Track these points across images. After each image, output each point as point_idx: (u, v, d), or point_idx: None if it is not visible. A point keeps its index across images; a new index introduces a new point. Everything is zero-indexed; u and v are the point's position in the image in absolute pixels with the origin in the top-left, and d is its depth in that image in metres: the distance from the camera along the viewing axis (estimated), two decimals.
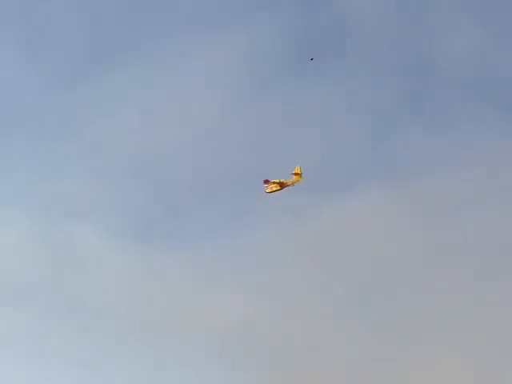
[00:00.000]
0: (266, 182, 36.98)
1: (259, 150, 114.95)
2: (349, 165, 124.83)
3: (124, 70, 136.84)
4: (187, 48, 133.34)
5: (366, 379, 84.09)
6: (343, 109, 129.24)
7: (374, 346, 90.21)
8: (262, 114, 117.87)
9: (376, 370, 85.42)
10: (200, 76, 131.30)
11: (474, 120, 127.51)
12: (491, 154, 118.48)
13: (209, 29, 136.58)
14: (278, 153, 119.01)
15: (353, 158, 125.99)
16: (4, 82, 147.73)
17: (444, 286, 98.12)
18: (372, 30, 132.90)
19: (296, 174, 35.41)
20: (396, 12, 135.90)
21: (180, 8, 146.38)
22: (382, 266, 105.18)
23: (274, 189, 35.90)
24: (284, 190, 36.10)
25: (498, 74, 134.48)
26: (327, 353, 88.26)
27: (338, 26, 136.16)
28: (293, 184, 35.93)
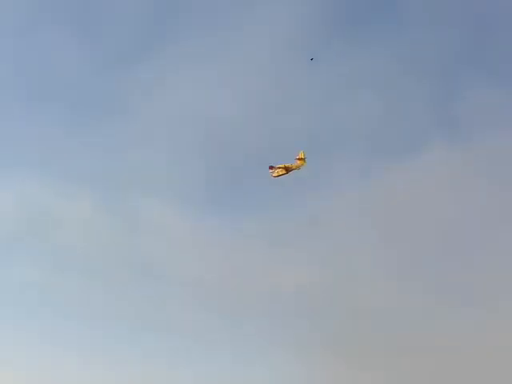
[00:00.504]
0: (271, 167, 37.75)
1: (322, 115, 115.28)
2: (411, 126, 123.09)
3: (185, 43, 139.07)
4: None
5: (429, 339, 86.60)
6: (403, 70, 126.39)
7: (437, 306, 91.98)
8: (324, 78, 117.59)
9: (439, 330, 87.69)
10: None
11: None
12: None
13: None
14: (342, 116, 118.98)
15: (415, 119, 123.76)
16: (67, 62, 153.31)
17: (509, 247, 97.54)
18: None
19: (300, 158, 36.74)
20: None
21: None
22: (446, 226, 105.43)
23: (281, 173, 36.94)
24: (289, 173, 37.40)
25: None
26: (391, 314, 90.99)
27: None
28: (298, 168, 37.08)
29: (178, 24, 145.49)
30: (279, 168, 36.71)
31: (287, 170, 36.37)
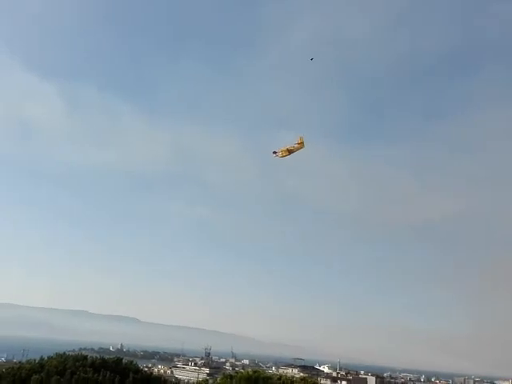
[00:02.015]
0: (274, 152, 41.11)
1: None
2: None
3: None
4: None
5: None
6: None
7: None
8: None
9: None
10: None
11: None
12: None
13: None
14: None
15: None
16: None
17: None
18: None
19: (300, 142, 39.77)
20: None
21: None
22: None
23: (284, 154, 40.21)
24: (291, 154, 40.54)
25: None
26: None
27: None
28: (297, 150, 40.26)
29: None
30: (282, 151, 39.87)
31: (289, 151, 39.84)
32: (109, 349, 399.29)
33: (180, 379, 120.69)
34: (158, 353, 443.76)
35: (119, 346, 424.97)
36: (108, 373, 24.90)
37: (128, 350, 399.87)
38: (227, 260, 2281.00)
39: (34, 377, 23.78)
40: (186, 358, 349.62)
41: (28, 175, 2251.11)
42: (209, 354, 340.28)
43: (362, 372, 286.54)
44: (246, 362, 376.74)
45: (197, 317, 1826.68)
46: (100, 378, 24.20)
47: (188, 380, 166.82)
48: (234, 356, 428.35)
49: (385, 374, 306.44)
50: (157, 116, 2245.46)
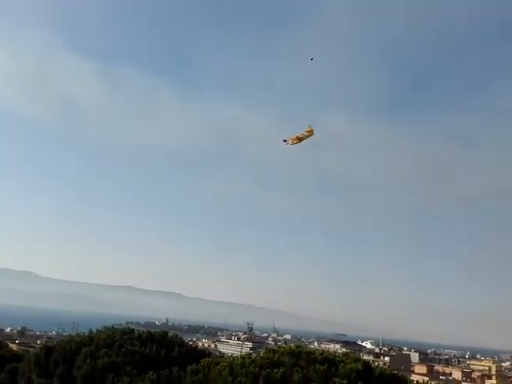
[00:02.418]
0: (285, 140, 41.35)
1: None
2: None
3: None
4: None
5: None
6: None
7: None
8: None
9: None
10: None
11: None
12: None
13: None
14: None
15: None
16: None
17: None
18: None
19: (309, 130, 40.59)
20: None
21: None
22: None
23: (295, 142, 40.66)
24: (302, 142, 41.00)
25: None
26: None
27: None
28: (307, 138, 40.82)
29: None
30: (292, 139, 40.48)
31: (299, 139, 40.39)
32: (154, 323, 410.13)
33: (224, 353, 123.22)
34: (203, 327, 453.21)
35: (164, 321, 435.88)
36: (154, 346, 25.49)
37: (173, 325, 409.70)
38: (268, 238, 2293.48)
39: (84, 349, 24.59)
40: (229, 333, 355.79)
41: (73, 153, 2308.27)
42: (251, 328, 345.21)
43: (405, 348, 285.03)
44: (288, 337, 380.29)
45: (239, 293, 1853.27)
46: (147, 350, 24.86)
47: (232, 353, 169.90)
48: (276, 331, 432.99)
49: (428, 351, 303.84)
50: (195, 94, 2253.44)
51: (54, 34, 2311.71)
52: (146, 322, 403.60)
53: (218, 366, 22.90)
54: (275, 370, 21.54)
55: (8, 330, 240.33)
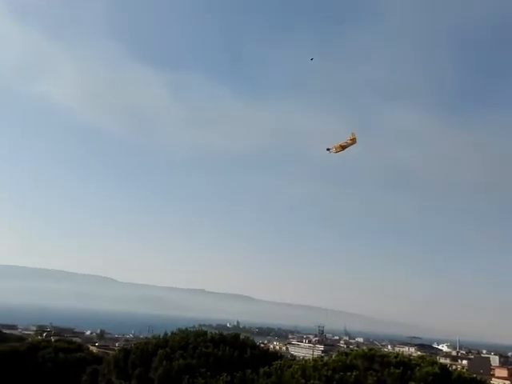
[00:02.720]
0: (328, 149, 40.92)
1: None
2: None
3: None
4: None
5: None
6: None
7: None
8: None
9: None
10: None
11: None
12: None
13: None
14: None
15: None
16: None
17: None
18: None
19: (352, 139, 40.34)
20: None
21: None
22: None
23: (338, 150, 40.34)
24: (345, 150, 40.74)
25: None
26: None
27: None
28: (350, 146, 40.36)
29: None
30: (335, 147, 40.55)
31: (343, 147, 40.38)
32: (226, 325, 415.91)
33: (295, 355, 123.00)
34: (273, 329, 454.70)
35: (235, 323, 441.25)
36: (227, 348, 25.91)
37: (244, 327, 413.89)
38: (335, 237, 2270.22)
39: (160, 351, 25.41)
40: (300, 336, 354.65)
41: (140, 161, 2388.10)
42: (322, 331, 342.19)
43: (484, 351, 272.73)
44: (360, 339, 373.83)
45: (308, 295, 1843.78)
46: (220, 352, 25.29)
47: (303, 356, 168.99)
48: (347, 334, 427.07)
49: (509, 354, 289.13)
50: (258, 96, 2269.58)
51: (117, 45, 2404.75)
52: (218, 325, 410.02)
53: (291, 369, 22.91)
54: (348, 373, 21.28)
55: (88, 332, 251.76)
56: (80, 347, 38.79)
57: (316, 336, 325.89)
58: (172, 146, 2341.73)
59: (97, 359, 35.30)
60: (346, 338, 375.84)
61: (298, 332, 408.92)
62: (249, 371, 24.51)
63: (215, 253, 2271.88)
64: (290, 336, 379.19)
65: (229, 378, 24.27)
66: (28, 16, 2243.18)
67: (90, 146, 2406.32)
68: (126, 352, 30.79)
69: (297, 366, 23.19)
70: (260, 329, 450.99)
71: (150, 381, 26.97)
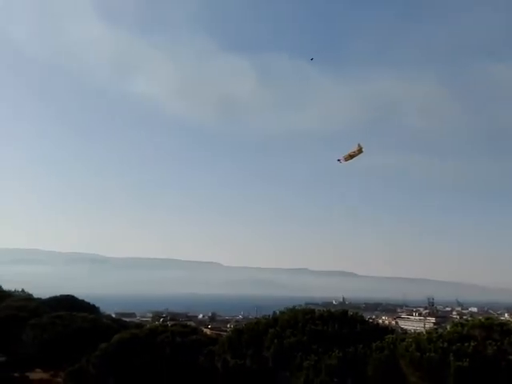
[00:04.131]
0: (339, 160, 41.22)
1: None
2: None
3: None
4: None
5: None
6: None
7: None
8: None
9: None
10: None
11: None
12: None
13: None
14: None
15: None
16: None
17: None
18: None
19: (359, 149, 41.23)
20: None
21: None
22: None
23: (348, 159, 40.92)
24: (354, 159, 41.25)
25: None
26: None
27: None
28: (358, 155, 40.77)
29: None
30: (344, 157, 41.32)
31: (351, 157, 41.06)
32: (331, 302, 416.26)
33: (406, 329, 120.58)
34: (381, 304, 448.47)
35: (341, 300, 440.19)
36: (336, 324, 25.93)
37: (350, 303, 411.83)
38: (443, 209, 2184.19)
39: (270, 330, 26.02)
40: (409, 309, 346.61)
41: (229, 148, 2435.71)
42: (432, 303, 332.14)
43: None
44: (474, 309, 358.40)
45: (413, 268, 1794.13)
46: (329, 329, 25.33)
47: (415, 330, 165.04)
48: (460, 304, 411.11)
49: None
50: (344, 70, 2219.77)
51: (206, 36, 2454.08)
52: (324, 302, 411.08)
53: (404, 343, 22.51)
54: (466, 344, 20.52)
55: (200, 316, 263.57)
56: (194, 330, 40.46)
57: (426, 308, 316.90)
58: (262, 131, 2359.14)
59: (211, 341, 36.71)
60: (459, 309, 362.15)
61: (407, 305, 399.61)
62: (360, 346, 24.43)
63: (316, 232, 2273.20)
64: (398, 310, 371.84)
65: (341, 353, 24.33)
66: (117, 18, 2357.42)
67: (186, 139, 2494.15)
68: (238, 332, 31.82)
69: (410, 339, 22.74)
70: (367, 304, 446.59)
71: (264, 359, 27.70)
